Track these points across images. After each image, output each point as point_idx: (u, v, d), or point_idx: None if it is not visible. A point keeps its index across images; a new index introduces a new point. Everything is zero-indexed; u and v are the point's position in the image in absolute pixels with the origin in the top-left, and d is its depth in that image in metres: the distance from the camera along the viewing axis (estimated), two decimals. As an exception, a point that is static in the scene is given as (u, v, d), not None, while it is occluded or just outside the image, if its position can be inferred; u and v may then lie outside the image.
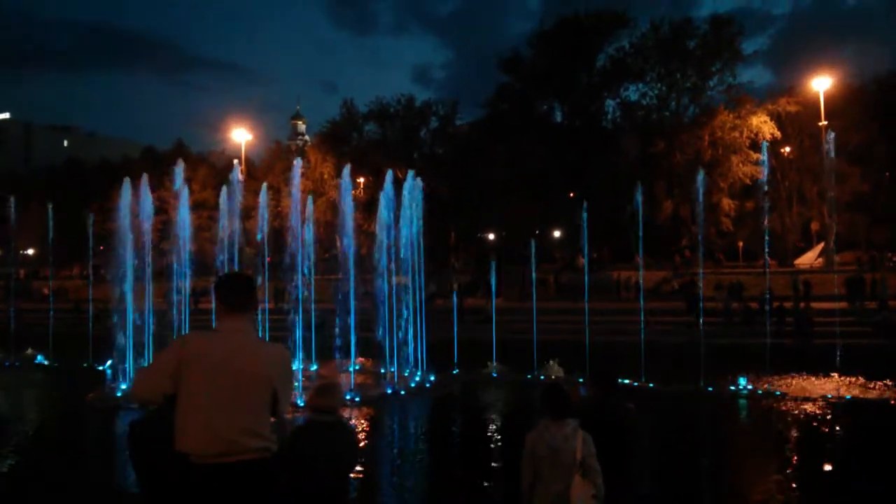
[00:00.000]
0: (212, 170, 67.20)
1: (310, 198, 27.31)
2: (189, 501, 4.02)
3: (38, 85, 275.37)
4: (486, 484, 11.88)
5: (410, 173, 25.67)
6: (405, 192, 24.98)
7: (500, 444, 14.90)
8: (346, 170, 25.23)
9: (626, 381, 20.92)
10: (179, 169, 25.92)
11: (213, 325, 4.33)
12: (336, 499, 5.78)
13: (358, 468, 10.40)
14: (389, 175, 25.71)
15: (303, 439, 5.63)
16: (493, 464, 13.27)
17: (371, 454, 13.95)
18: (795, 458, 13.87)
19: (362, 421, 17.17)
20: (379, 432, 16.62)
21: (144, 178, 24.37)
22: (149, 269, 23.89)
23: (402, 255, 24.60)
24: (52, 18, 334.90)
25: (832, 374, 21.31)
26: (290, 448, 5.61)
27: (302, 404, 12.88)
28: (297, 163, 28.09)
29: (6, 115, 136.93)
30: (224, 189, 28.06)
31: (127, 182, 24.10)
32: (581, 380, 17.78)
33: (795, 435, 15.86)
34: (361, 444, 14.86)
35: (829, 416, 17.07)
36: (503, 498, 10.59)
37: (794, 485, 11.78)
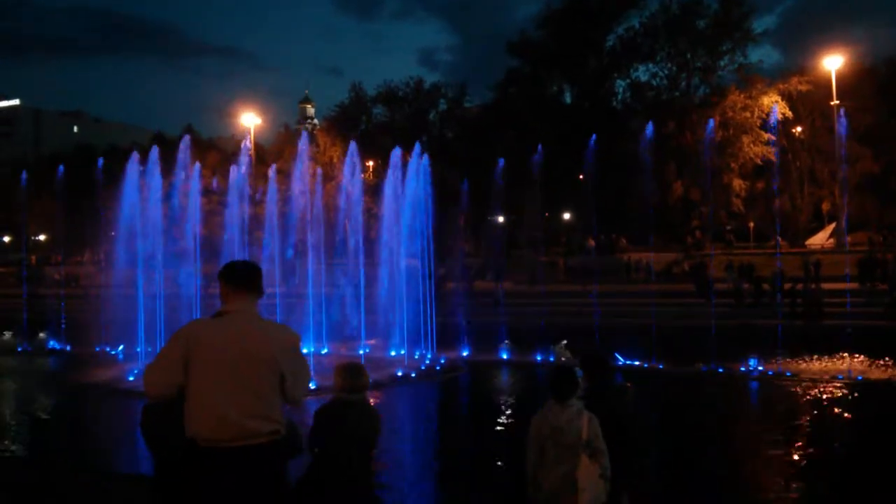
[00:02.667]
0: (221, 154, 67.24)
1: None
2: (200, 486, 4.04)
3: (44, 71, 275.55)
4: (497, 464, 11.92)
5: (417, 148, 25.61)
6: (412, 170, 24.95)
7: (509, 425, 14.93)
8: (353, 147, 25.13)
9: (636, 363, 20.97)
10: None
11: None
12: (361, 478, 5.85)
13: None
14: (397, 151, 25.68)
15: (332, 418, 5.68)
16: (502, 445, 13.30)
17: (382, 436, 13.99)
18: (806, 439, 13.85)
19: (372, 403, 17.23)
20: (389, 414, 16.67)
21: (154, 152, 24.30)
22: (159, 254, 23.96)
23: (410, 238, 24.59)
24: (58, 5, 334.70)
25: (843, 355, 21.23)
26: (320, 426, 5.67)
27: (315, 386, 12.91)
28: (304, 136, 27.92)
29: (16, 102, 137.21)
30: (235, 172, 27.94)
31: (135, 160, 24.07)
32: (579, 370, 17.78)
33: (807, 417, 15.81)
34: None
35: (839, 398, 17.03)
36: (513, 479, 10.63)
37: (804, 465, 11.79)
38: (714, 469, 11.74)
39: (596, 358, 6.49)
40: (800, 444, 13.43)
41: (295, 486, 5.77)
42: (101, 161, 35.21)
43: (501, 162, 30.97)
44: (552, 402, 5.52)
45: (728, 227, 52.16)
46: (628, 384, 6.53)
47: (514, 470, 10.98)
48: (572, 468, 5.19)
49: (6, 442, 14.29)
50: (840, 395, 17.35)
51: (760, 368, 19.94)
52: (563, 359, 21.72)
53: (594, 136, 31.00)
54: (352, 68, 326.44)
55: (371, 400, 17.09)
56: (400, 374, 20.55)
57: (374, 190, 60.08)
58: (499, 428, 15.00)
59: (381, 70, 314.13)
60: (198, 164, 28.78)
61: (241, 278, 4.26)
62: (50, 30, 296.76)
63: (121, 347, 24.50)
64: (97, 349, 25.80)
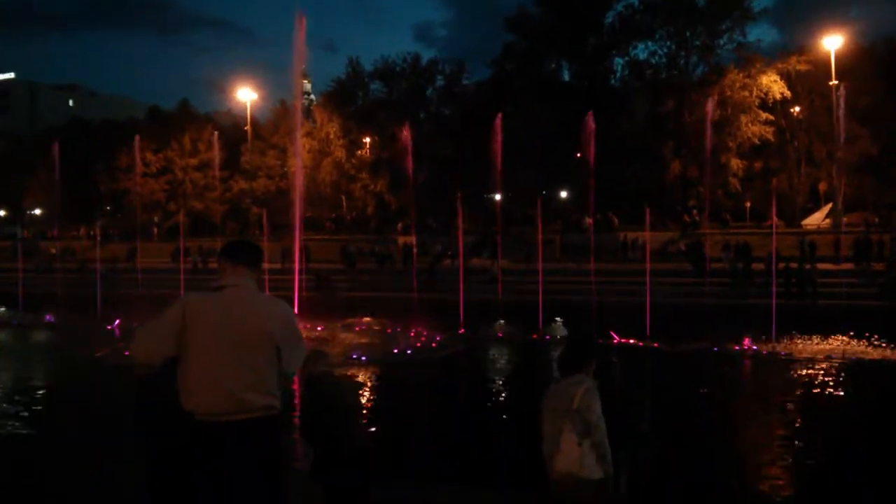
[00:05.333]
0: (218, 130, 67.08)
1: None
2: (196, 460, 4.06)
3: (40, 45, 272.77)
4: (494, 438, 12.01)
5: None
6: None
7: (504, 402, 15.03)
8: None
9: (632, 341, 21.07)
10: None
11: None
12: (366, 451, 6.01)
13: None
14: None
15: (340, 391, 5.80)
16: (498, 419, 13.40)
17: (376, 414, 14.08)
18: (797, 418, 13.98)
19: (368, 380, 17.32)
20: (384, 392, 16.76)
21: None
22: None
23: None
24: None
25: (837, 335, 21.33)
26: (334, 399, 5.79)
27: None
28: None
29: (11, 76, 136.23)
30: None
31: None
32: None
33: (799, 395, 15.93)
34: (368, 403, 15.03)
35: (833, 377, 17.15)
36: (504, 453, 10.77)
37: (796, 443, 11.91)
38: (706, 446, 11.84)
39: (583, 338, 6.51)
40: (790, 421, 13.57)
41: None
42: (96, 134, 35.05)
43: (499, 139, 30.85)
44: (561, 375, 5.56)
45: (725, 207, 52.10)
46: (614, 359, 6.57)
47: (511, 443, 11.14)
48: (559, 434, 5.25)
49: None
50: (833, 374, 17.46)
51: (755, 347, 20.05)
52: (558, 336, 21.86)
53: (592, 114, 30.93)
54: (346, 43, 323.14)
55: (366, 377, 17.19)
56: (395, 351, 20.61)
57: (370, 166, 60.19)
58: (495, 404, 15.10)
59: (375, 45, 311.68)
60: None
61: (242, 253, 4.27)
62: (44, 3, 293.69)
63: (116, 322, 24.51)
64: (92, 324, 25.82)
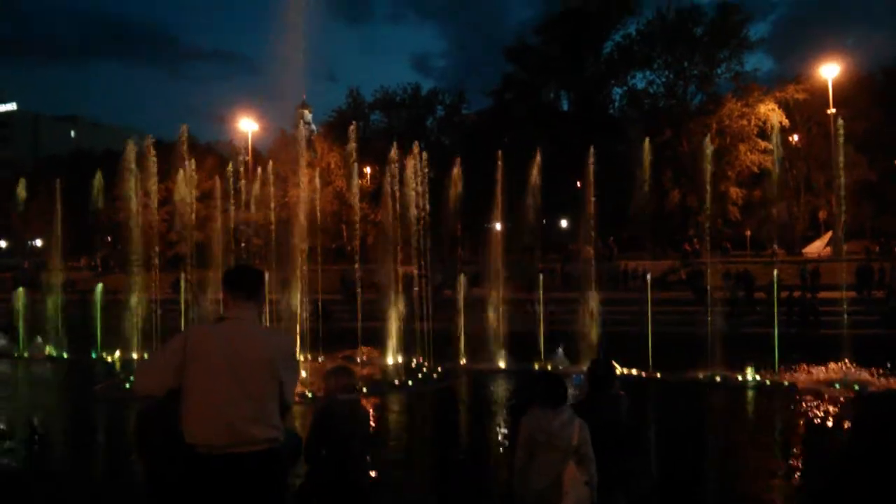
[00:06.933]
0: (218, 159, 67.24)
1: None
2: (197, 492, 4.03)
3: (42, 76, 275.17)
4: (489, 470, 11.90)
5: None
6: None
7: (503, 434, 14.90)
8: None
9: (634, 372, 20.95)
10: None
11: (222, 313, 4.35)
12: (362, 478, 5.93)
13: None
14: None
15: (336, 418, 5.76)
16: (495, 452, 13.28)
17: (377, 443, 13.97)
18: (805, 449, 13.85)
19: (368, 411, 17.20)
20: (385, 422, 16.64)
21: None
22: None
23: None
24: (56, 9, 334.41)
25: (840, 364, 21.21)
26: (324, 427, 5.73)
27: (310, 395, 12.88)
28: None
29: (13, 106, 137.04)
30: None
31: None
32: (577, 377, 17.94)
33: (805, 426, 15.81)
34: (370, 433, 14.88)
35: (838, 408, 17.04)
36: (504, 484, 10.65)
37: (799, 475, 11.79)
38: (710, 477, 11.73)
39: (606, 365, 6.59)
40: (795, 452, 13.44)
41: (297, 491, 5.82)
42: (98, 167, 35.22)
43: (499, 168, 30.95)
44: (544, 408, 5.58)
45: (725, 236, 52.16)
46: (622, 392, 6.58)
47: (507, 475, 11.03)
48: (559, 473, 5.26)
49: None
50: (839, 404, 17.35)
51: (757, 377, 19.94)
52: (559, 367, 21.74)
53: (591, 143, 31.05)
54: (345, 73, 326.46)
55: (367, 408, 17.04)
56: (396, 382, 20.51)
57: (371, 196, 60.28)
58: (493, 435, 14.98)
59: (374, 74, 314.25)
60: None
61: (241, 286, 4.28)
62: (47, 34, 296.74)
63: (117, 354, 24.44)
64: (93, 356, 25.71)
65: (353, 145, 31.21)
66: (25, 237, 76.35)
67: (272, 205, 27.62)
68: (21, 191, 37.67)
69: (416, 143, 26.81)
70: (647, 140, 30.30)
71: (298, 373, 4.39)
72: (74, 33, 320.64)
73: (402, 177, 25.59)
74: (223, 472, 3.94)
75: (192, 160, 29.49)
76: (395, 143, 25.86)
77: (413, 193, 25.05)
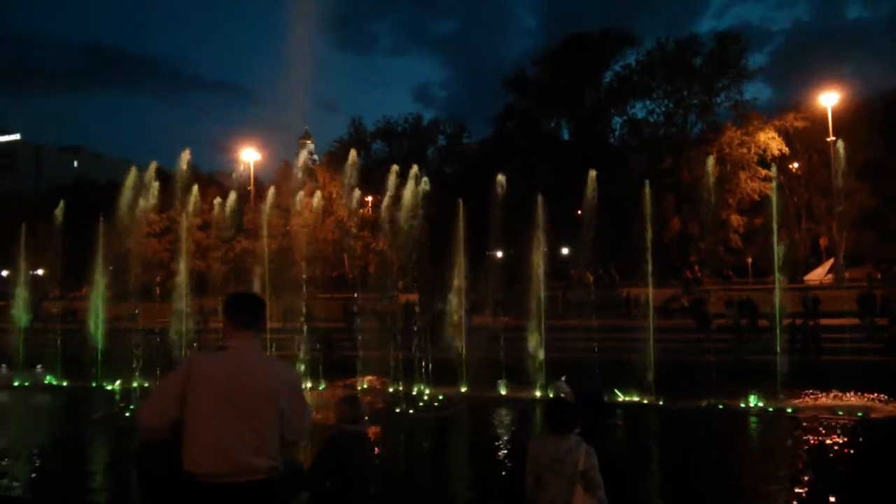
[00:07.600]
0: (220, 189, 67.56)
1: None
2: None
3: (43, 106, 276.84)
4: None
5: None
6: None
7: (504, 462, 14.81)
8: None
9: (637, 399, 20.86)
10: None
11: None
12: None
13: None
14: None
15: (343, 449, 5.74)
16: (496, 479, 13.19)
17: (380, 471, 13.88)
18: (805, 477, 13.74)
19: (370, 439, 17.09)
20: (387, 450, 16.55)
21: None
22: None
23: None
24: (58, 40, 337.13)
25: (842, 391, 21.11)
26: (331, 458, 5.71)
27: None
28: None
29: (16, 137, 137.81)
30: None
31: None
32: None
33: (807, 454, 15.70)
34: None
35: (841, 436, 16.93)
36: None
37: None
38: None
39: (593, 396, 6.54)
40: (798, 480, 13.33)
41: None
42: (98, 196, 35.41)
43: (500, 196, 31.07)
44: (550, 434, 5.55)
45: (726, 263, 52.12)
46: (615, 422, 6.57)
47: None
48: (568, 498, 5.23)
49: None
50: (841, 432, 17.24)
51: (760, 405, 19.84)
52: (561, 394, 21.60)
53: (592, 172, 31.16)
54: (347, 103, 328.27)
55: (369, 436, 16.90)
56: (397, 410, 20.42)
57: (372, 225, 60.41)
58: (494, 463, 14.88)
59: (376, 105, 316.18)
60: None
61: (241, 315, 4.24)
62: (50, 65, 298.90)
63: (117, 383, 24.37)
64: (93, 384, 25.64)
65: (352, 165, 31.24)
66: (27, 267, 76.37)
67: (266, 232, 27.59)
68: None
69: (416, 165, 26.88)
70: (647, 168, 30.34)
71: (306, 406, 4.31)
72: (78, 64, 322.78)
73: (402, 204, 25.65)
74: (222, 500, 3.91)
75: (196, 186, 29.53)
76: (393, 169, 25.91)
77: (413, 221, 25.08)
